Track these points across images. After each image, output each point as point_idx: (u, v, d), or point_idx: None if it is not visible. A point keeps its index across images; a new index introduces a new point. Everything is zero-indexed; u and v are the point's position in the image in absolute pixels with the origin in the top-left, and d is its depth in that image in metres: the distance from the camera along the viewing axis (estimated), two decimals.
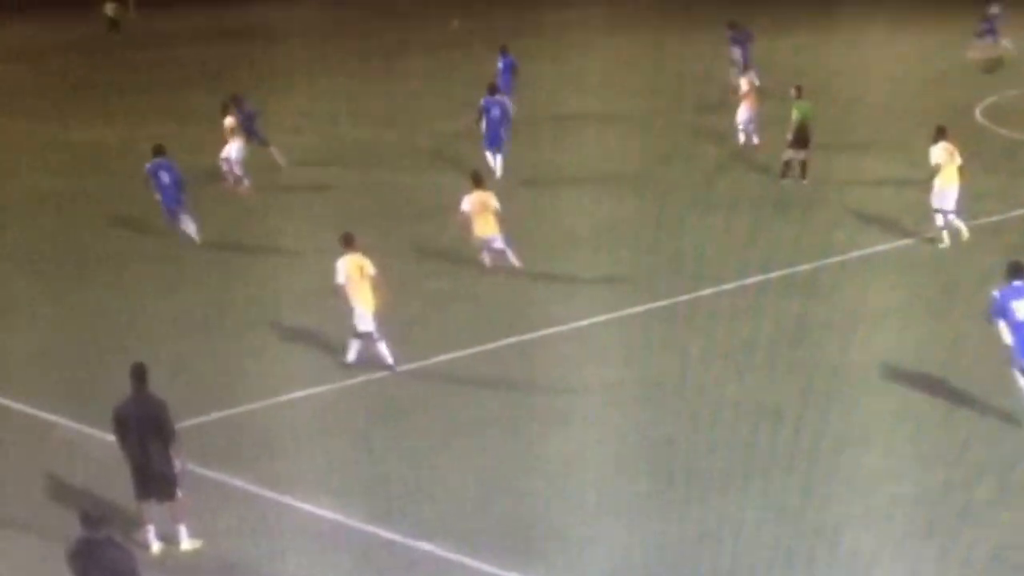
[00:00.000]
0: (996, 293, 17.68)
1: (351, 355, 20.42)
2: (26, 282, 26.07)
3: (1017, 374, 17.49)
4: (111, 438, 15.59)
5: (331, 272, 20.26)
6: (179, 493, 15.34)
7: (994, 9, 48.69)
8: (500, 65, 39.43)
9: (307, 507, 16.05)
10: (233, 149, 32.73)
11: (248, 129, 33.76)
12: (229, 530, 15.74)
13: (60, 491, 16.84)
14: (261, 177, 33.17)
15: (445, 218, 26.49)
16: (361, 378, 20.09)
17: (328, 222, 26.46)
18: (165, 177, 28.00)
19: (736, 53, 42.08)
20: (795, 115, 30.91)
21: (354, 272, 20.10)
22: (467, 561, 14.70)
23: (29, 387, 20.10)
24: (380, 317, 20.13)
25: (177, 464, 15.27)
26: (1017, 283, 17.65)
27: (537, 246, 26.08)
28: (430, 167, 34.63)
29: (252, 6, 76.13)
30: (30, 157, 38.88)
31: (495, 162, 32.61)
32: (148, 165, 28.36)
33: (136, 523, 15.31)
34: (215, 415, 18.88)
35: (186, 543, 15.44)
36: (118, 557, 12.55)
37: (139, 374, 15.35)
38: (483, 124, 32.87)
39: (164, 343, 21.62)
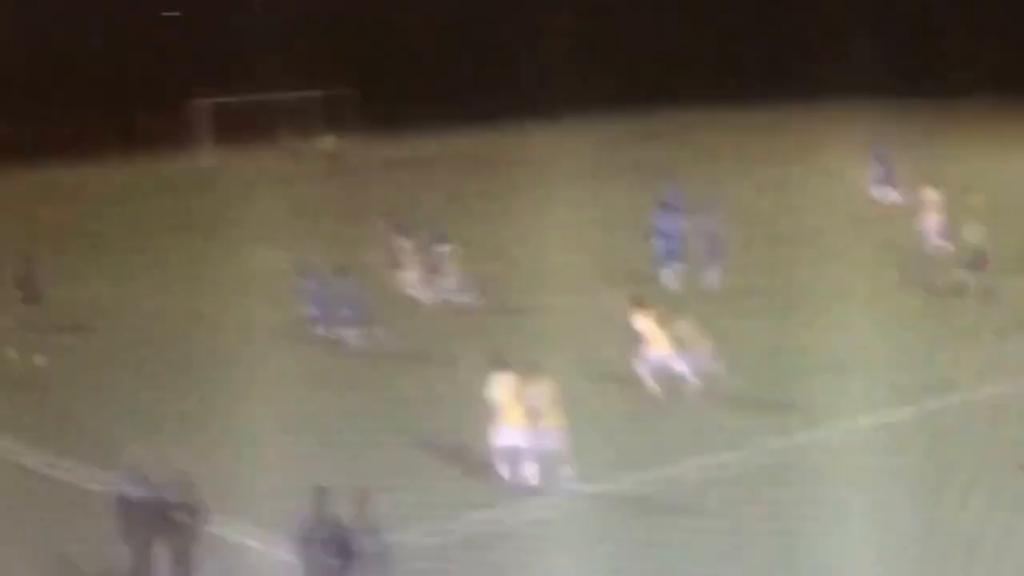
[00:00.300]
0: None
1: (505, 471, 20.30)
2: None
3: None
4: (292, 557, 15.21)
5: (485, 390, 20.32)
6: None
7: None
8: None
9: None
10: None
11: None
12: None
13: None
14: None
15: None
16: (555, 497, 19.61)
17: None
18: None
19: None
20: None
21: (508, 391, 20.11)
22: None
23: (221, 503, 19.39)
24: (530, 435, 19.97)
25: None
26: None
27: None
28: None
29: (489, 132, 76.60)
30: None
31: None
32: None
33: None
34: (404, 536, 18.02)
35: None
36: None
37: (321, 497, 15.25)
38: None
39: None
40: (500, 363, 20.55)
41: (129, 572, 16.36)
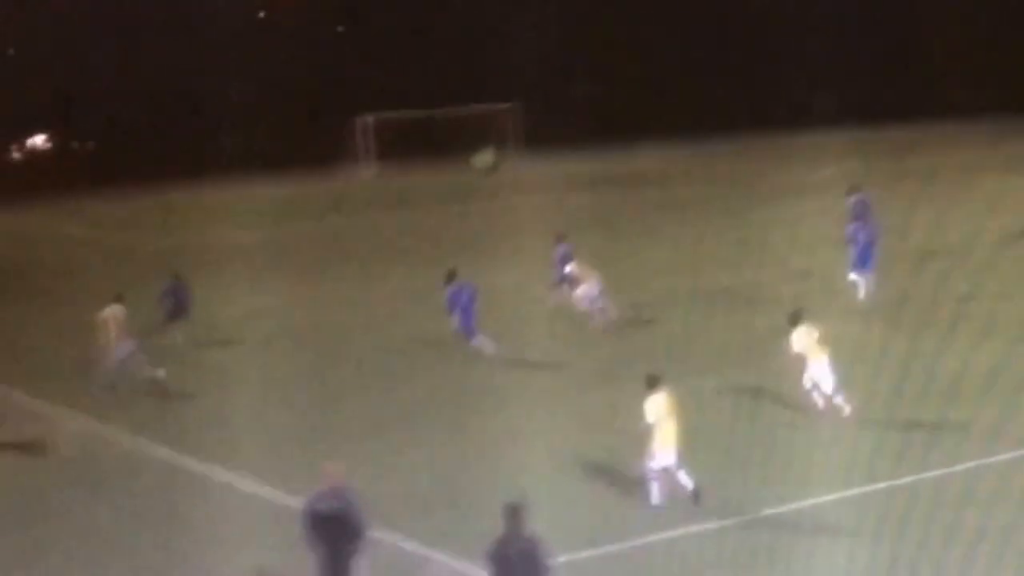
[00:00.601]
0: None
1: (655, 497, 20.36)
2: (416, 421, 26.39)
3: None
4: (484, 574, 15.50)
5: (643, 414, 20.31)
6: None
7: None
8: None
9: None
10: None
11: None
12: None
13: None
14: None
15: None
16: (714, 523, 19.55)
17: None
18: None
19: None
20: None
21: (663, 411, 20.20)
22: None
23: (409, 521, 20.26)
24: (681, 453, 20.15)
25: None
26: None
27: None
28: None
29: (641, 151, 76.68)
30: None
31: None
32: None
33: None
34: (586, 554, 18.58)
35: None
36: None
37: (514, 514, 15.25)
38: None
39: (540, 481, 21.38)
40: (654, 382, 20.73)
41: None
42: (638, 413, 20.37)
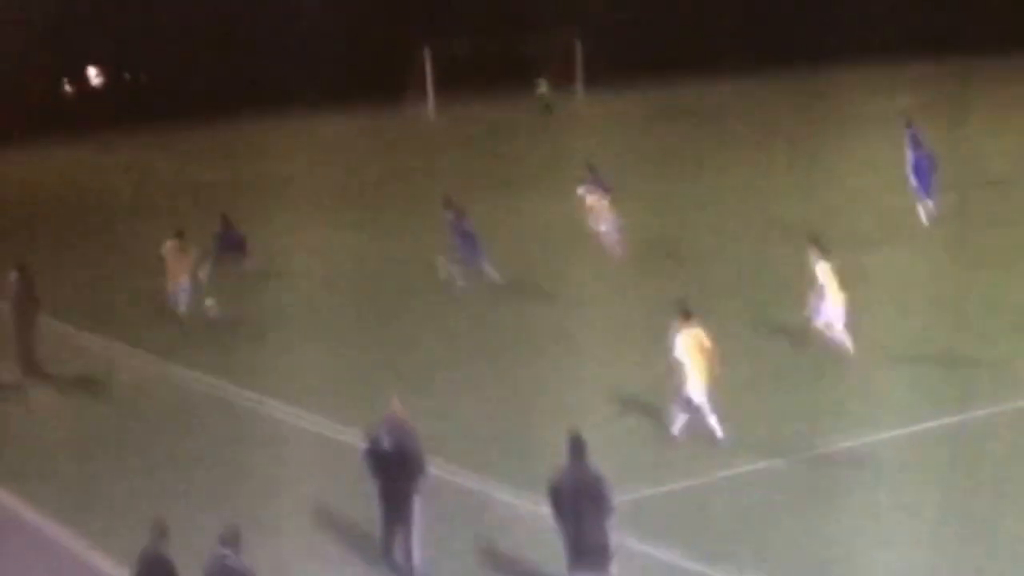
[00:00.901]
0: None
1: (676, 428, 20.36)
2: (472, 361, 26.42)
3: None
4: (546, 509, 15.46)
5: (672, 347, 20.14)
6: (613, 568, 15.04)
7: None
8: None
9: None
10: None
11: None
12: None
13: (494, 562, 16.86)
14: None
15: None
16: (797, 457, 19.36)
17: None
18: None
19: None
20: None
21: (692, 346, 19.96)
22: None
23: (469, 458, 20.22)
24: (712, 390, 19.96)
25: (611, 538, 15.00)
26: None
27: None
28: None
29: (697, 85, 76.20)
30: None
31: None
32: None
33: None
34: (649, 491, 18.49)
35: None
36: None
37: (577, 446, 15.16)
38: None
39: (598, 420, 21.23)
40: (687, 316, 20.43)
41: (380, 518, 16.91)
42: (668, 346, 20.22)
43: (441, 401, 23.20)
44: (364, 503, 17.19)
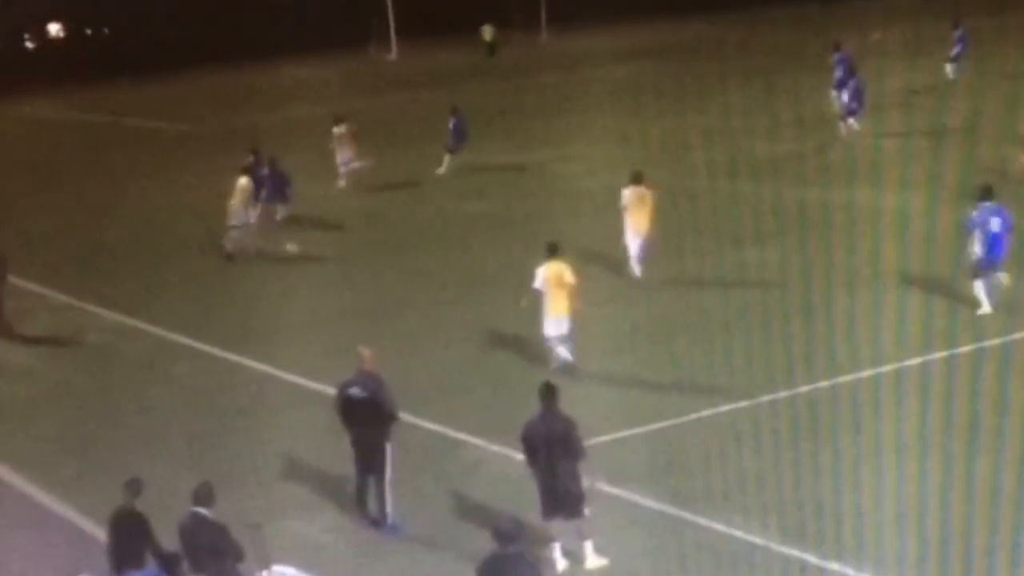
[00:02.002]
0: (974, 212, 22.25)
1: (555, 361, 21.19)
2: (448, 306, 26.38)
3: (978, 284, 22.07)
4: (519, 456, 15.53)
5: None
6: (587, 511, 15.15)
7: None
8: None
9: (717, 526, 15.58)
10: None
11: None
12: (636, 549, 15.48)
13: (467, 509, 16.92)
14: None
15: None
16: (765, 397, 19.29)
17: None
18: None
19: None
20: None
21: (553, 280, 20.78)
22: None
23: (439, 406, 20.30)
24: (574, 323, 20.96)
25: (585, 482, 15.09)
26: (987, 204, 22.23)
27: None
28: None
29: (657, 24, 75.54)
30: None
31: None
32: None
33: (542, 540, 15.16)
34: (623, 433, 18.57)
35: (592, 561, 15.25)
36: (528, 573, 12.42)
37: (548, 393, 15.23)
38: None
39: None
40: (553, 250, 21.30)
41: (354, 467, 16.94)
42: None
43: (416, 345, 23.40)
44: (339, 453, 17.18)
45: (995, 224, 22.04)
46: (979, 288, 22.23)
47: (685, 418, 19.01)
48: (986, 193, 22.39)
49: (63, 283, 30.80)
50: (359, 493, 16.86)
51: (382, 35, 77.85)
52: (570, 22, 78.01)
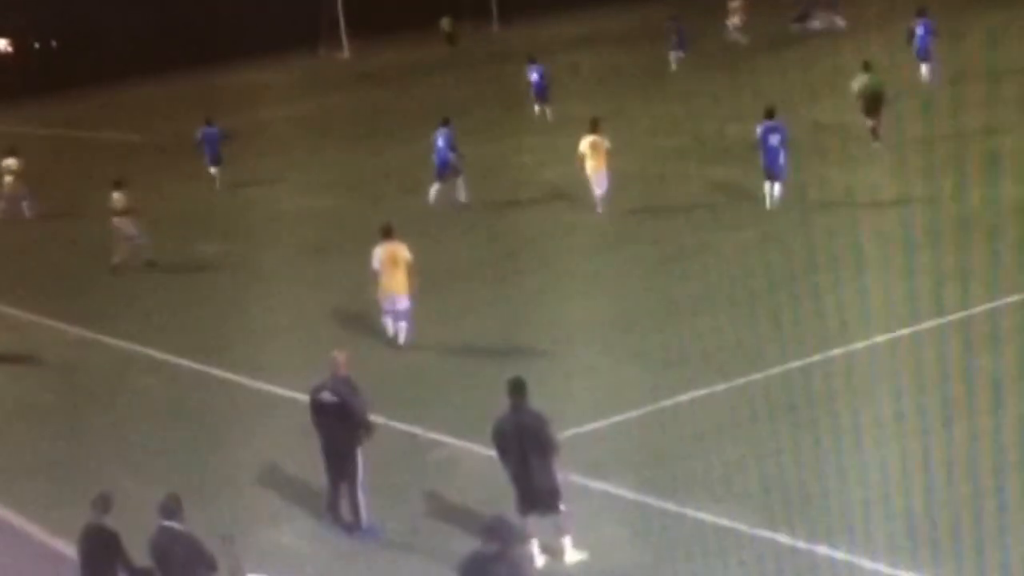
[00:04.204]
0: (758, 128, 27.62)
1: (390, 330, 22.89)
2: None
3: (767, 184, 27.42)
4: (492, 453, 15.39)
5: None
6: (562, 506, 15.02)
7: None
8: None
9: (696, 514, 15.46)
10: None
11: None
12: (615, 540, 15.36)
13: (443, 509, 16.79)
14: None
15: None
16: (740, 380, 19.23)
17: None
18: None
19: None
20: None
21: (387, 259, 22.26)
22: (865, 564, 13.92)
23: (412, 406, 20.14)
24: (411, 299, 22.48)
25: (559, 476, 14.96)
26: (770, 122, 27.65)
27: None
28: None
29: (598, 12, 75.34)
30: None
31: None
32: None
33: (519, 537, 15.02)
34: (590, 426, 18.36)
35: (571, 555, 15.14)
36: (509, 572, 12.26)
37: (517, 388, 15.09)
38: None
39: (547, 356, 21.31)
40: (387, 232, 22.64)
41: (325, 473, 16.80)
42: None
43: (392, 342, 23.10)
44: (311, 459, 16.99)
45: (774, 140, 27.23)
46: (767, 187, 27.47)
47: (660, 404, 18.87)
48: (769, 114, 27.60)
49: (19, 300, 30.38)
50: (330, 498, 16.69)
51: (332, 35, 77.65)
52: (521, 13, 78.15)
